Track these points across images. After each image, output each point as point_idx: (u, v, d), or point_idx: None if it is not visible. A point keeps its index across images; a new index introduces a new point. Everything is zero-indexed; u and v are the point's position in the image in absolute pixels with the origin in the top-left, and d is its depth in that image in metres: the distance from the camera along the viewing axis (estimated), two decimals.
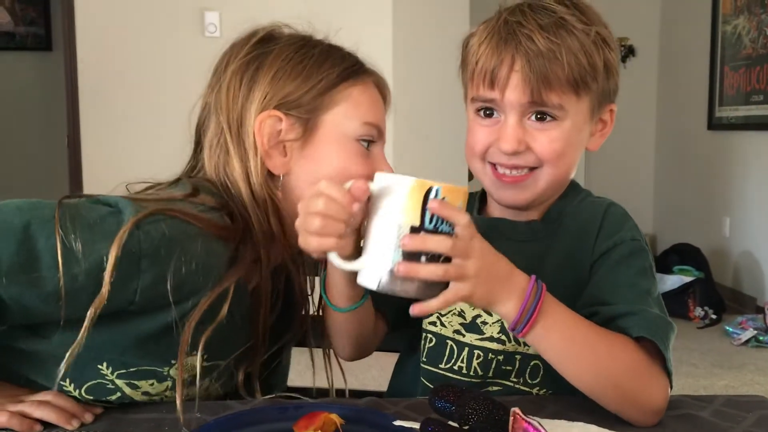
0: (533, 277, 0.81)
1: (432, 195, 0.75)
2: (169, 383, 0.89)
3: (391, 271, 0.75)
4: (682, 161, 5.29)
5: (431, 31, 3.77)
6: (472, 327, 0.96)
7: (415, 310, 0.76)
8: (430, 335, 0.99)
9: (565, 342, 0.83)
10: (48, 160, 4.97)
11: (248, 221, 0.91)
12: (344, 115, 0.94)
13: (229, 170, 0.93)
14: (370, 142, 0.96)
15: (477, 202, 1.05)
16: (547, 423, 0.74)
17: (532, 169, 0.94)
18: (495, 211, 1.02)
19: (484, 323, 0.95)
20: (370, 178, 0.95)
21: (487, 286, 0.78)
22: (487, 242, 0.79)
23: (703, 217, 4.94)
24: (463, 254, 0.75)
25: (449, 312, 0.97)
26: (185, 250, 0.81)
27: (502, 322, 0.94)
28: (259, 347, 0.94)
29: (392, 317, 1.01)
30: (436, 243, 0.74)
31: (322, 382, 1.11)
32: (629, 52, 5.63)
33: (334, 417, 0.75)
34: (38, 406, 0.83)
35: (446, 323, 0.98)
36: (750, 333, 3.76)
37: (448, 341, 0.97)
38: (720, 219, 4.73)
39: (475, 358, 0.95)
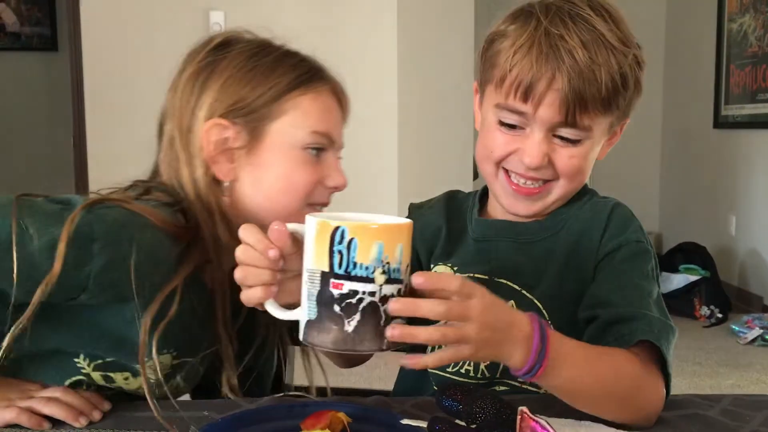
0: (534, 317, 0.75)
1: (338, 236, 0.67)
2: (142, 379, 0.90)
3: (308, 322, 0.70)
4: (688, 159, 5.28)
5: (436, 36, 3.77)
6: None
7: (409, 362, 0.71)
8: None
9: (574, 376, 0.79)
10: (54, 160, 4.98)
11: (199, 224, 0.92)
12: (291, 125, 0.94)
13: (179, 174, 0.94)
14: (319, 149, 0.95)
15: (477, 201, 1.04)
16: (555, 422, 0.74)
17: (547, 181, 0.94)
18: (497, 211, 1.01)
19: None
20: (318, 184, 0.96)
21: (491, 344, 0.72)
22: (487, 294, 0.72)
23: (709, 216, 4.93)
24: (461, 317, 0.69)
25: None
26: (136, 238, 0.83)
27: None
28: (225, 348, 0.94)
29: None
30: (430, 308, 0.68)
31: (329, 381, 1.11)
32: None
33: (342, 416, 0.75)
34: (47, 403, 0.84)
35: None
36: (756, 332, 3.75)
37: None
38: (726, 217, 4.72)
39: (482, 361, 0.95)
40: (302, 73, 0.96)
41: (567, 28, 0.87)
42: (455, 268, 0.98)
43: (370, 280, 0.68)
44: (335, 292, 0.68)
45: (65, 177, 4.46)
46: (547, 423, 0.67)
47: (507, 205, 0.97)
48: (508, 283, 0.95)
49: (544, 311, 0.93)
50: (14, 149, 5.04)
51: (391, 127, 3.76)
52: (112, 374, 0.90)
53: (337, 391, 1.09)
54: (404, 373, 1.08)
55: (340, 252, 0.67)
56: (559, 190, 0.94)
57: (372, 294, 0.68)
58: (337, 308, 0.68)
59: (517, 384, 0.95)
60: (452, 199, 1.08)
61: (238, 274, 0.74)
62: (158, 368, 0.87)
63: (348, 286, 0.68)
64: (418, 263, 1.03)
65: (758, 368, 3.38)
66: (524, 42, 0.88)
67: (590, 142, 0.92)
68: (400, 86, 3.72)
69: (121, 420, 0.85)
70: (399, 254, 0.69)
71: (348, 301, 0.68)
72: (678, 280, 4.31)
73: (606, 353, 0.82)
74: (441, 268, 0.99)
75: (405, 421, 0.76)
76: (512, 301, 0.94)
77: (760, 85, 4.32)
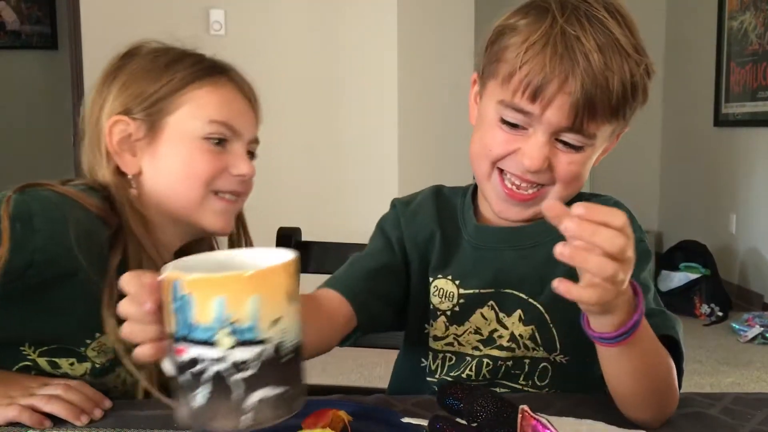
0: (633, 281, 0.71)
1: (174, 291, 0.56)
2: (88, 365, 0.93)
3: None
4: (689, 158, 5.28)
5: (436, 36, 3.77)
6: (489, 341, 0.95)
7: (560, 285, 0.66)
8: (449, 355, 0.97)
9: (645, 353, 0.76)
10: (54, 159, 4.98)
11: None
12: (189, 116, 0.98)
13: (95, 172, 1.01)
14: (221, 140, 0.99)
15: (470, 203, 0.99)
16: (555, 420, 0.74)
17: (542, 186, 0.90)
18: (491, 213, 0.96)
19: (501, 337, 0.94)
20: (223, 172, 0.99)
21: (622, 292, 0.68)
22: None
23: (710, 214, 4.93)
24: (627, 258, 0.65)
25: (465, 332, 0.95)
26: (71, 216, 0.87)
27: (512, 333, 0.93)
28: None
29: (364, 320, 0.93)
30: (610, 238, 0.62)
31: (328, 380, 1.11)
32: None
33: (343, 414, 0.75)
34: (48, 401, 0.84)
35: (464, 342, 0.96)
36: (756, 330, 3.75)
37: (467, 357, 0.96)
38: (726, 216, 4.72)
39: (484, 366, 0.94)
40: (200, 68, 1.00)
41: (584, 29, 0.83)
42: (457, 281, 0.95)
43: (214, 345, 0.56)
44: (178, 359, 0.58)
45: (65, 175, 4.44)
46: (548, 422, 0.67)
47: (498, 210, 0.93)
48: (515, 292, 0.93)
49: (546, 316, 0.92)
50: (14, 147, 5.04)
51: (391, 126, 3.76)
52: (57, 360, 0.92)
53: (338, 390, 1.09)
54: (398, 372, 1.06)
55: (178, 310, 0.56)
56: (553, 196, 0.90)
57: (218, 361, 0.56)
58: (182, 378, 0.58)
59: (518, 387, 0.94)
60: (439, 195, 1.03)
61: (126, 330, 0.64)
62: (106, 353, 0.90)
63: (190, 352, 0.56)
64: (406, 272, 0.99)
65: (758, 366, 3.38)
66: (538, 39, 0.83)
67: (592, 149, 0.89)
68: (400, 85, 3.72)
69: (122, 419, 0.85)
70: (253, 310, 0.56)
71: (191, 370, 0.57)
72: (678, 279, 4.31)
73: (657, 340, 0.79)
74: (441, 282, 0.96)
75: (406, 420, 0.76)
76: (519, 311, 0.93)
77: (761, 84, 4.32)
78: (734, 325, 3.89)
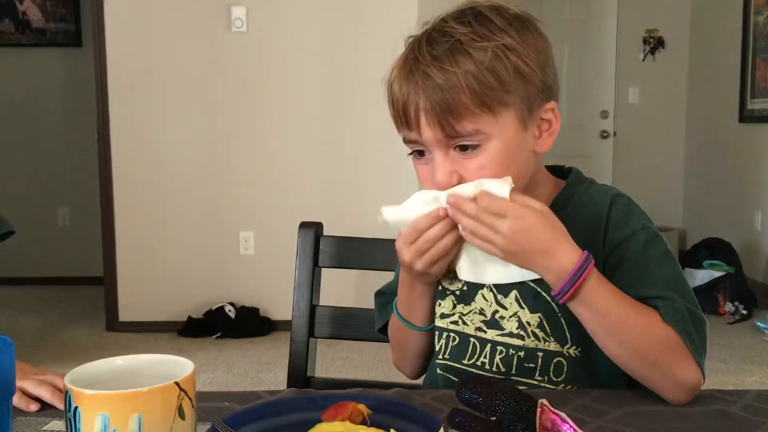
0: (584, 255, 0.84)
1: (67, 402, 0.60)
2: None
3: None
4: (713, 154, 5.22)
5: None
6: (493, 323, 0.96)
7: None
8: (453, 334, 0.99)
9: (601, 317, 0.86)
10: (78, 154, 5.04)
11: None
12: None
13: None
14: None
15: None
16: None
17: None
18: None
19: (502, 318, 0.95)
20: None
21: (519, 258, 0.84)
22: (542, 216, 0.83)
23: (734, 212, 4.87)
24: (498, 214, 0.82)
25: (470, 311, 0.98)
26: None
27: (519, 318, 0.94)
28: None
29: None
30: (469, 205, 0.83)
31: (349, 374, 1.12)
32: (658, 43, 5.55)
33: (362, 407, 0.76)
34: (38, 385, 0.86)
35: (468, 321, 0.98)
36: None
37: (471, 338, 0.97)
38: (751, 213, 4.66)
39: (497, 353, 0.95)
40: None
41: (421, 50, 0.88)
42: (462, 284, 0.98)
43: None
44: None
45: (90, 171, 4.50)
46: (567, 417, 0.67)
47: None
48: (530, 284, 0.94)
49: (553, 304, 0.92)
50: (39, 144, 5.11)
51: None
52: None
53: (358, 384, 1.09)
54: (431, 373, 1.06)
55: (70, 420, 0.59)
56: None
57: None
58: None
59: (534, 383, 0.94)
60: None
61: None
62: None
63: None
64: None
65: None
66: (397, 73, 0.91)
67: (494, 145, 0.88)
68: None
69: None
70: (135, 428, 0.59)
71: None
72: (702, 276, 4.27)
73: (641, 307, 0.87)
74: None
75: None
76: (515, 291, 0.94)
77: None
78: (759, 323, 3.85)
